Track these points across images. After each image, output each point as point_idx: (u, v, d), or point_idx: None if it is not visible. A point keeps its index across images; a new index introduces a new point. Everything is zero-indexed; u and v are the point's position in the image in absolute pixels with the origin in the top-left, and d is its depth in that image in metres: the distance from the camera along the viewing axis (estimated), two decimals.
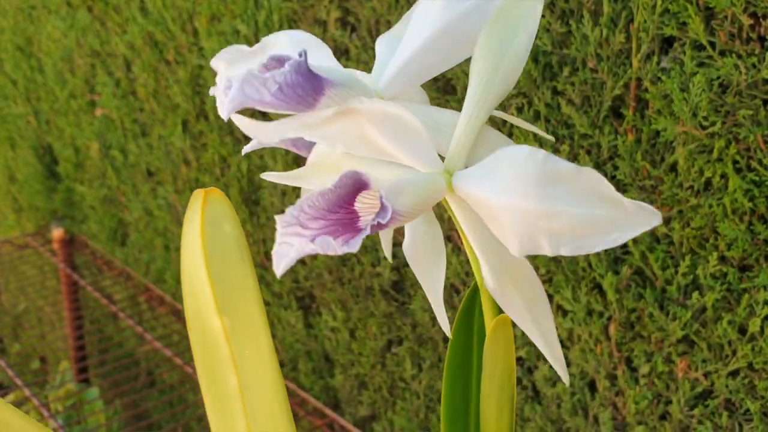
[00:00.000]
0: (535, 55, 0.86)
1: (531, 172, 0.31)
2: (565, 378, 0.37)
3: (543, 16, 0.85)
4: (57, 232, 2.08)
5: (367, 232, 0.33)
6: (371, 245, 1.20)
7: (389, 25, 1.03)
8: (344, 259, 1.27)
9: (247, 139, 1.45)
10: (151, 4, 1.44)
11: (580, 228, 0.30)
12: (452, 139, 0.35)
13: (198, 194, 0.38)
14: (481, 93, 0.34)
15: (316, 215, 0.34)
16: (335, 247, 0.33)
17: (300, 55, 0.35)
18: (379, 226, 0.33)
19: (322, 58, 0.40)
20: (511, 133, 0.92)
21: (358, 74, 0.39)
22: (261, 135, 0.37)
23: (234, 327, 0.37)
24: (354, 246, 0.33)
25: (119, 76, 1.65)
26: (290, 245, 0.34)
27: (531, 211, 0.30)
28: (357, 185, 0.34)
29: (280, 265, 0.34)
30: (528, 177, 0.31)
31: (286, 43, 0.40)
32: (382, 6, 1.02)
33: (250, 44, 0.37)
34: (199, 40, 1.37)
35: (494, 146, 0.35)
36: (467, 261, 1.05)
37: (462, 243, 1.07)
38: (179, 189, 1.58)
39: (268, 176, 0.42)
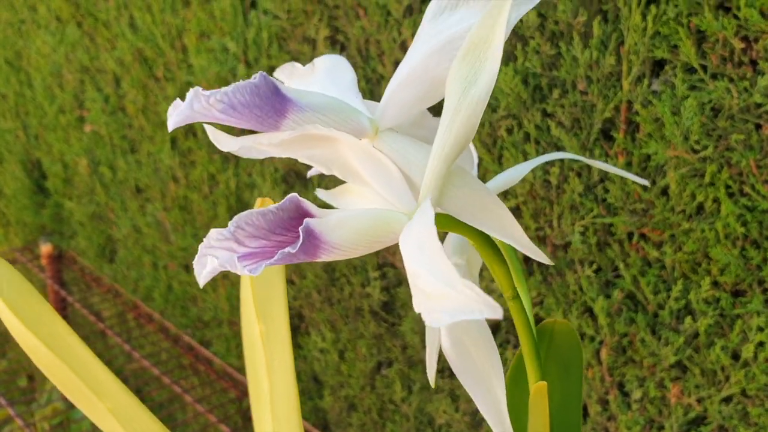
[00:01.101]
0: (524, 77, 0.85)
1: (413, 232, 0.31)
2: None
3: (532, 37, 0.84)
4: (45, 248, 2.06)
5: (274, 260, 0.32)
6: (360, 265, 1.18)
7: (378, 44, 1.02)
8: (333, 279, 1.25)
9: (236, 157, 1.42)
10: (140, 21, 1.43)
11: (427, 295, 0.29)
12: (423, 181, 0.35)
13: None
14: (443, 134, 0.33)
15: (256, 234, 0.34)
16: (239, 267, 0.33)
17: (261, 78, 0.35)
18: (290, 256, 0.32)
19: (341, 83, 0.39)
20: (500, 155, 0.91)
21: (359, 103, 0.38)
22: (222, 144, 0.36)
23: (268, 331, 0.43)
24: (255, 271, 0.32)
25: (108, 92, 1.63)
26: (215, 258, 0.33)
27: (407, 267, 0.31)
28: (299, 211, 0.34)
29: (201, 275, 0.33)
30: (411, 237, 0.32)
31: (325, 63, 0.41)
32: (371, 25, 1.01)
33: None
34: (188, 56, 1.35)
35: (465, 190, 0.35)
36: None
37: None
38: (167, 206, 1.56)
39: (320, 193, 0.43)
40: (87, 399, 0.44)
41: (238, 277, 1.45)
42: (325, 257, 0.34)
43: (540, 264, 0.94)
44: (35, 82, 1.90)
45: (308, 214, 0.34)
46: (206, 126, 0.38)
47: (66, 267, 2.10)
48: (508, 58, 0.87)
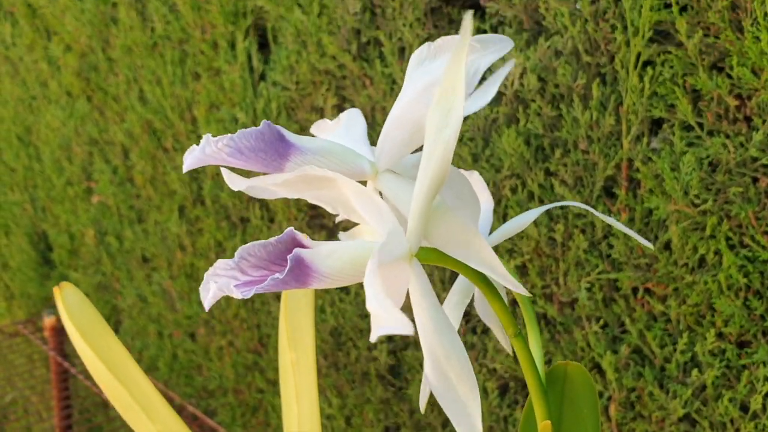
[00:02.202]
0: (527, 138, 0.89)
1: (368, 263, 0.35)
2: None
3: (533, 101, 0.88)
4: (48, 320, 2.05)
5: (264, 285, 0.36)
6: (367, 329, 1.19)
7: (384, 111, 1.06)
8: (340, 344, 1.26)
9: (243, 222, 1.45)
10: (150, 94, 1.48)
11: None
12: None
13: None
14: (421, 175, 0.36)
15: (258, 264, 0.37)
16: (234, 292, 0.36)
17: (265, 125, 0.39)
18: (280, 282, 0.36)
19: (354, 132, 0.43)
20: (505, 213, 0.93)
21: (366, 149, 0.41)
22: (233, 184, 0.40)
23: (298, 359, 0.47)
24: (246, 294, 0.36)
25: (117, 164, 1.67)
26: (215, 284, 0.37)
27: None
28: (294, 243, 0.37)
29: (206, 300, 0.37)
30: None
31: (345, 116, 0.45)
32: (377, 93, 1.05)
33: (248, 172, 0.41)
34: (197, 127, 1.40)
35: (448, 224, 0.38)
36: (465, 343, 1.05)
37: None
38: (174, 275, 1.58)
39: (341, 235, 0.46)
40: (141, 420, 0.48)
41: (244, 344, 1.46)
42: (316, 285, 0.37)
43: (548, 322, 0.96)
44: (44, 155, 1.94)
45: (302, 246, 0.37)
46: (222, 168, 0.41)
47: (69, 339, 2.10)
48: (510, 120, 0.91)
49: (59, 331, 2.08)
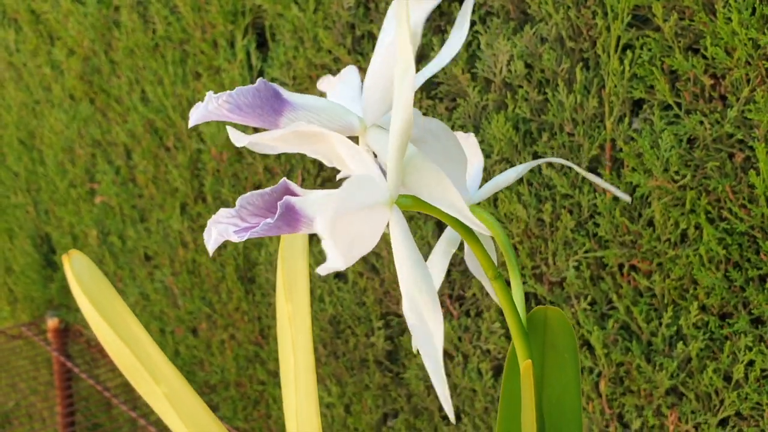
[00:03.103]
0: (515, 123, 0.92)
1: None
2: (450, 414, 0.40)
3: (521, 86, 0.91)
4: (52, 322, 2.09)
5: (258, 229, 0.39)
6: (365, 315, 1.23)
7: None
8: (338, 332, 1.29)
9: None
10: (152, 94, 1.51)
11: None
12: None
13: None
14: (391, 127, 0.40)
15: (256, 212, 0.40)
16: (232, 236, 0.40)
17: (261, 83, 0.42)
18: (271, 226, 0.39)
19: (350, 86, 0.47)
20: (496, 197, 0.97)
21: (357, 105, 0.45)
22: (236, 141, 0.43)
23: (294, 312, 0.50)
24: (242, 237, 0.39)
25: (119, 164, 1.71)
26: (217, 228, 0.40)
27: None
28: (287, 192, 0.41)
29: (209, 243, 0.40)
30: None
31: (344, 72, 0.48)
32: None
33: (247, 126, 0.44)
34: (198, 125, 1.43)
35: (420, 171, 0.42)
36: (459, 326, 1.08)
37: (452, 306, 1.10)
38: (176, 271, 1.61)
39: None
40: (146, 383, 0.50)
41: (245, 337, 1.49)
42: (305, 230, 0.40)
43: (538, 301, 0.99)
44: (47, 158, 1.98)
45: (294, 194, 0.40)
46: (227, 126, 0.44)
47: (72, 340, 2.13)
48: (500, 107, 0.95)
49: (62, 332, 2.11)
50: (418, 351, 0.45)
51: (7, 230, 2.29)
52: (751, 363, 0.81)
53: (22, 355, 2.28)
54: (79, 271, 0.61)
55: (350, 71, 0.48)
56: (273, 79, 1.25)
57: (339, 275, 1.26)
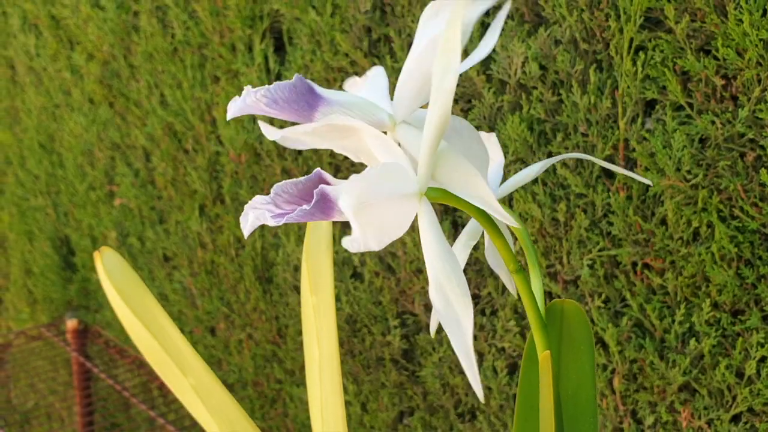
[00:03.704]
0: (530, 124, 0.94)
1: None
2: (480, 394, 0.42)
3: (535, 87, 0.93)
4: (71, 323, 2.12)
5: (294, 214, 0.41)
6: (381, 314, 1.24)
7: None
8: (355, 331, 1.31)
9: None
10: (171, 98, 1.54)
11: None
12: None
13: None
14: (428, 122, 0.42)
15: (290, 200, 0.42)
16: (269, 220, 0.42)
17: (298, 79, 0.44)
18: (307, 213, 0.41)
19: (378, 87, 0.49)
20: (511, 196, 0.99)
21: (386, 103, 0.47)
22: (268, 134, 0.45)
23: (318, 303, 0.52)
24: (278, 221, 0.41)
25: (138, 167, 1.73)
26: (254, 214, 0.42)
27: None
28: (321, 181, 0.42)
29: (246, 227, 0.42)
30: None
31: (371, 72, 0.50)
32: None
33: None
34: (216, 128, 1.46)
35: (450, 165, 0.43)
36: (475, 324, 1.10)
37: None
38: (195, 272, 1.64)
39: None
40: (174, 375, 0.51)
41: (263, 336, 1.51)
42: (338, 217, 0.42)
43: (552, 299, 1.01)
44: (67, 162, 2.01)
45: (327, 183, 0.42)
46: (258, 120, 0.46)
47: (91, 341, 2.16)
48: (515, 107, 0.96)
49: (81, 333, 2.14)
50: (437, 334, 0.47)
51: (27, 232, 2.33)
52: (763, 359, 0.83)
53: (41, 356, 2.31)
54: (110, 268, 0.63)
55: (377, 72, 0.50)
56: None
57: (355, 275, 1.28)
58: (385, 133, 0.46)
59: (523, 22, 0.94)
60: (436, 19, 0.45)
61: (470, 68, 0.99)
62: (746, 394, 0.84)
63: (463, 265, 0.52)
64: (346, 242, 0.39)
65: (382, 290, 1.24)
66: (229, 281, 1.55)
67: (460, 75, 1.00)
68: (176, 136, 1.58)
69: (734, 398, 0.87)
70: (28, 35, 2.04)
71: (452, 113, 0.92)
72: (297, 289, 1.41)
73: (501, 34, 0.94)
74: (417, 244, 1.15)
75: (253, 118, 1.36)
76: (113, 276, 0.62)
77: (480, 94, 1.00)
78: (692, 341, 0.87)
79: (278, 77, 1.31)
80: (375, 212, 0.40)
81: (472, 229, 0.53)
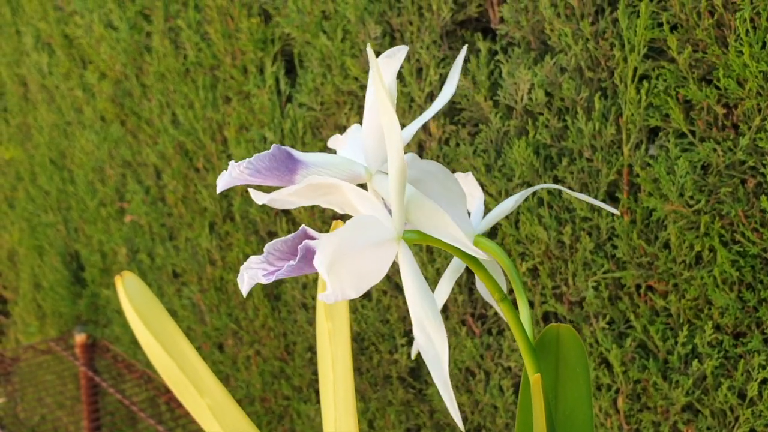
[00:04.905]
0: (536, 149, 0.97)
1: None
2: (458, 421, 0.45)
3: (541, 113, 0.95)
4: (79, 338, 2.14)
5: (282, 270, 0.44)
6: (388, 333, 1.26)
7: (403, 128, 1.14)
8: (362, 348, 1.33)
9: (271, 236, 1.53)
10: (183, 117, 1.57)
11: None
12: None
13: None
14: (389, 173, 0.45)
15: (281, 257, 0.46)
16: (261, 278, 0.45)
17: (275, 148, 0.48)
18: (293, 267, 0.44)
19: (355, 141, 0.53)
20: (517, 219, 1.01)
21: (359, 157, 0.50)
22: (257, 199, 0.48)
23: (334, 328, 0.55)
24: (269, 279, 0.45)
25: (149, 184, 1.76)
26: (248, 273, 0.45)
27: None
28: (306, 236, 0.46)
29: (243, 287, 0.45)
30: None
31: (350, 130, 0.55)
32: (396, 111, 1.13)
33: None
34: (227, 147, 1.48)
35: (421, 209, 0.47)
36: (481, 344, 1.12)
37: (474, 325, 1.13)
38: (204, 288, 1.66)
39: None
40: (191, 395, 0.54)
41: (271, 353, 1.53)
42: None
43: (558, 320, 1.03)
44: (78, 178, 2.04)
45: (311, 238, 0.46)
46: (248, 188, 0.49)
47: (99, 355, 2.18)
48: (521, 132, 0.99)
49: (90, 347, 2.16)
50: (415, 358, 0.50)
51: (38, 247, 2.35)
52: (764, 381, 0.84)
53: (49, 370, 2.33)
54: (131, 291, 0.65)
55: (356, 129, 0.53)
56: (301, 105, 1.30)
57: (364, 294, 1.30)
58: (365, 185, 0.49)
59: (529, 50, 0.96)
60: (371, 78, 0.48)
61: (478, 93, 1.01)
62: (748, 415, 0.86)
63: (447, 295, 0.56)
64: (321, 297, 0.42)
65: (389, 308, 1.26)
66: (237, 298, 1.57)
67: (467, 99, 1.03)
68: (187, 154, 1.60)
69: (737, 419, 0.88)
70: (41, 54, 2.08)
71: (456, 139, 0.97)
72: (305, 307, 1.43)
73: (508, 62, 0.97)
74: (424, 264, 1.17)
75: (263, 138, 1.39)
76: (134, 299, 0.65)
77: (487, 119, 1.02)
78: (695, 362, 0.89)
79: (289, 99, 1.34)
80: (351, 263, 0.43)
81: (455, 265, 0.56)
